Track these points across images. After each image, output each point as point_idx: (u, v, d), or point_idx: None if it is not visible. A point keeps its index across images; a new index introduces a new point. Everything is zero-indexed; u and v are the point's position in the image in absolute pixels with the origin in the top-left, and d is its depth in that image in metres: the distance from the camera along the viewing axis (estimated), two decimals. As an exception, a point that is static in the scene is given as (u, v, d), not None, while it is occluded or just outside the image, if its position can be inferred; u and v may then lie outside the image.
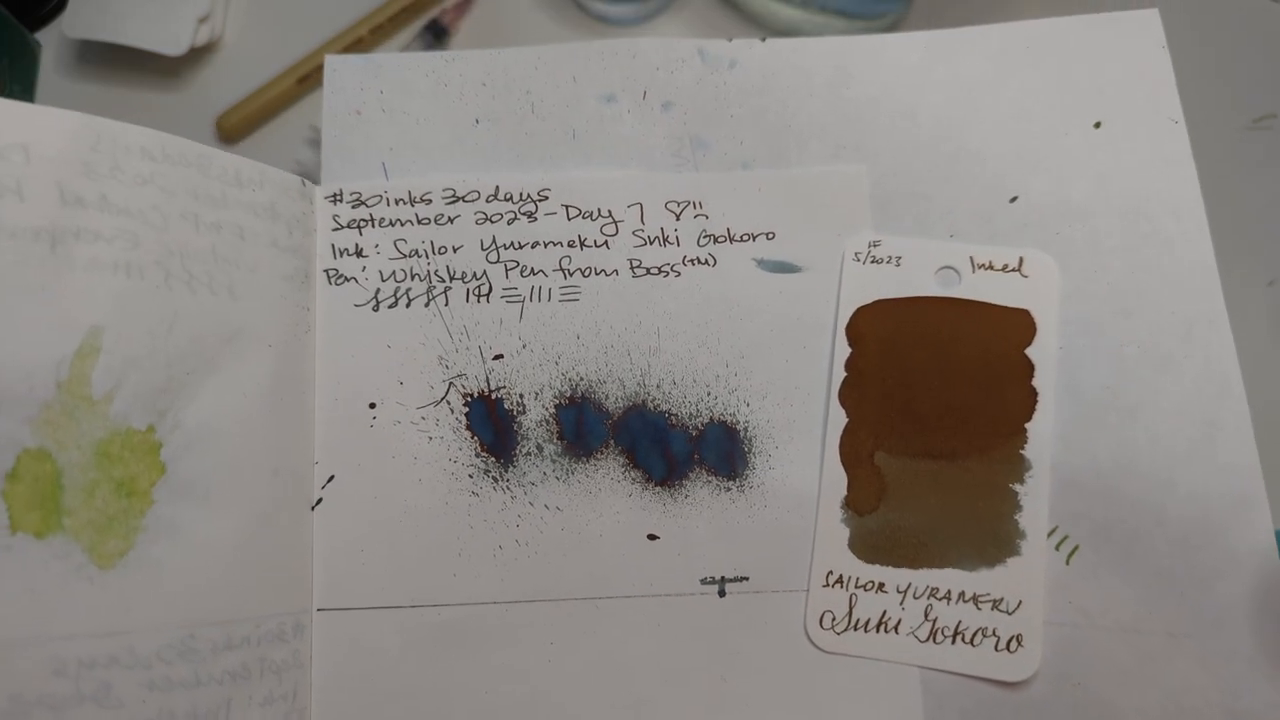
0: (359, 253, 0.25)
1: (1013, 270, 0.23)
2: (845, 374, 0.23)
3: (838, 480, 0.23)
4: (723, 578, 0.23)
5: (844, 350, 0.23)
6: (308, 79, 0.39)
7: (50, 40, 0.40)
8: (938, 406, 0.23)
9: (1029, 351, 0.23)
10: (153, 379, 0.22)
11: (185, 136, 0.32)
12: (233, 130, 0.38)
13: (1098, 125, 0.25)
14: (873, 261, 0.24)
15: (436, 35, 0.40)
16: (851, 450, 0.23)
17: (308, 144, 0.39)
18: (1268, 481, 0.29)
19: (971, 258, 0.24)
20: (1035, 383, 0.23)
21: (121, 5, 0.37)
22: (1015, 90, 0.25)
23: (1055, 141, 0.25)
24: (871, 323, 0.24)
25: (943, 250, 0.24)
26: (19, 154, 0.21)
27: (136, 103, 0.40)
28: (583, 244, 0.25)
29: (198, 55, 0.39)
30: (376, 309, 0.24)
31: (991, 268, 0.24)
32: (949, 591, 0.21)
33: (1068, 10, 0.33)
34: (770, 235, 0.25)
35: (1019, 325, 0.23)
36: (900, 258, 0.24)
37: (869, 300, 0.24)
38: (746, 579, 0.23)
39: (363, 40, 0.39)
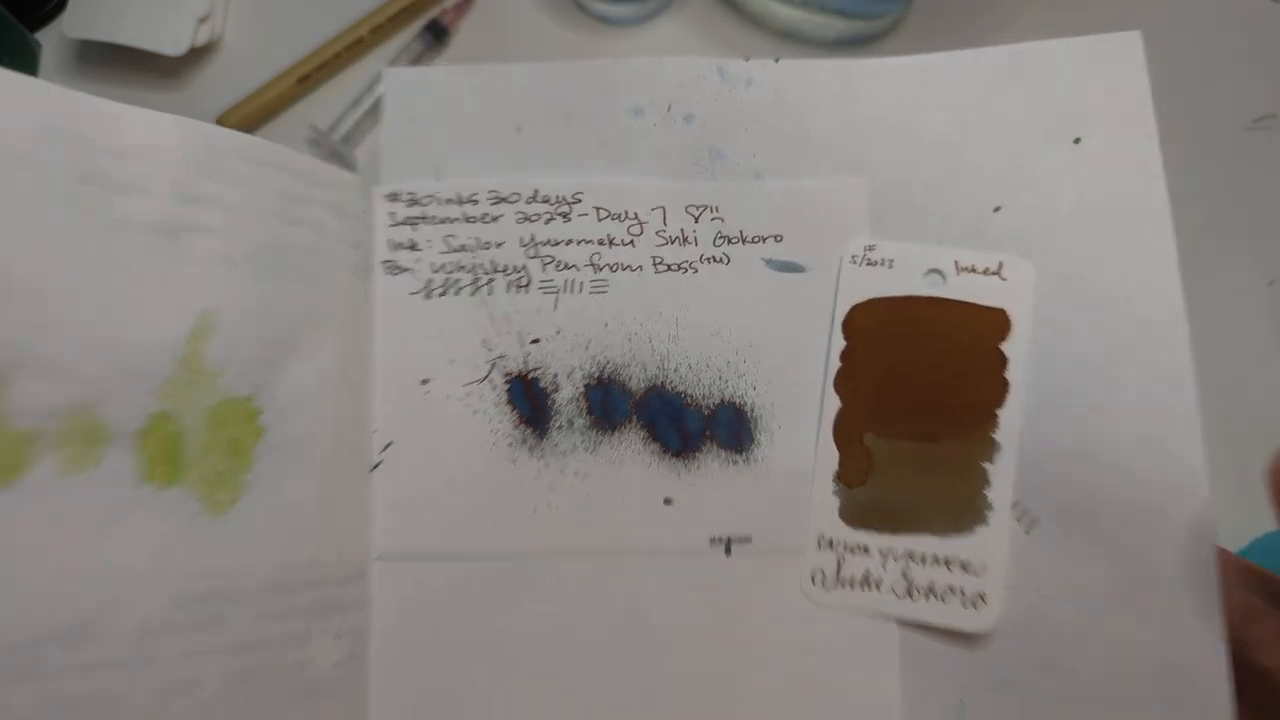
0: (413, 247, 0.28)
1: (993, 273, 0.26)
2: (840, 364, 0.26)
3: (831, 457, 0.26)
4: (729, 538, 0.26)
5: (840, 343, 0.26)
6: (307, 79, 0.39)
7: (50, 40, 0.40)
8: (921, 394, 0.26)
9: (1003, 346, 0.26)
10: (251, 355, 0.25)
11: None
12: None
13: (1078, 141, 0.27)
14: (868, 264, 0.27)
15: (436, 35, 0.40)
16: (844, 432, 0.26)
17: (308, 144, 0.39)
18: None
19: (956, 261, 0.27)
20: (1007, 374, 0.25)
21: (121, 5, 0.36)
22: (1003, 109, 0.28)
23: (1038, 157, 0.27)
24: (865, 318, 0.27)
25: (931, 254, 0.27)
26: (144, 155, 0.23)
27: (136, 103, 0.38)
28: (611, 242, 0.28)
29: (197, 55, 0.39)
30: (428, 297, 0.28)
31: (974, 270, 0.26)
32: (924, 555, 0.25)
33: (1062, 10, 0.34)
34: (779, 238, 0.28)
35: (995, 322, 0.26)
36: (893, 260, 0.27)
37: (864, 298, 0.27)
38: (750, 540, 0.26)
39: (362, 40, 0.39)
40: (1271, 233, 0.38)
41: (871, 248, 0.27)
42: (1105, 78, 0.27)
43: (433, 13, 0.41)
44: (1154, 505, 0.24)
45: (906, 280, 0.27)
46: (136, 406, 0.23)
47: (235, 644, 0.23)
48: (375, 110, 0.40)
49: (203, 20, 0.37)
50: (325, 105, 0.39)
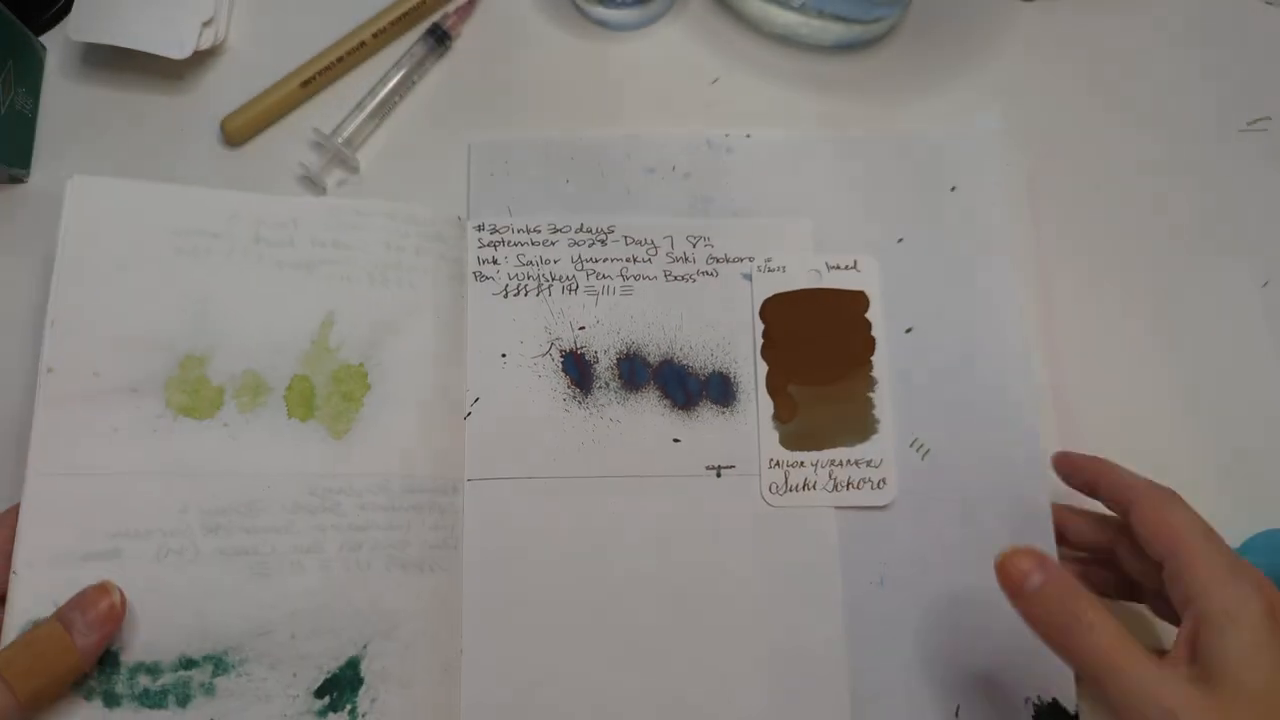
0: (494, 262, 0.39)
1: (851, 268, 0.38)
2: (763, 340, 0.38)
3: (768, 404, 0.37)
4: (719, 466, 0.37)
5: (760, 325, 0.38)
6: (311, 83, 0.38)
7: (55, 43, 0.39)
8: (819, 352, 0.37)
9: (867, 315, 0.38)
10: (363, 335, 0.36)
11: (191, 139, 0.38)
12: (237, 133, 0.38)
13: (953, 189, 0.40)
14: (769, 271, 0.39)
15: (439, 40, 0.40)
16: (773, 385, 0.37)
17: (311, 147, 0.39)
18: (1267, 480, 0.36)
19: (826, 262, 0.39)
20: (873, 333, 0.38)
21: (126, 9, 0.36)
22: (904, 167, 0.40)
23: (928, 198, 0.39)
24: (773, 308, 0.38)
25: (810, 259, 0.39)
26: (292, 224, 0.37)
27: (141, 106, 0.38)
28: (635, 260, 0.39)
29: (201, 58, 0.38)
30: (506, 297, 0.39)
31: (840, 267, 0.38)
32: (841, 460, 0.36)
33: (1059, 14, 0.40)
34: (751, 259, 0.39)
35: (859, 299, 0.38)
36: (785, 266, 0.39)
37: (770, 294, 0.38)
38: (734, 467, 0.37)
39: (365, 44, 0.39)
40: (1266, 234, 0.38)
41: (769, 259, 0.39)
42: (972, 147, 0.40)
43: (435, 17, 0.40)
44: (997, 430, 0.36)
45: (796, 278, 0.38)
46: (285, 371, 0.35)
47: (348, 524, 0.34)
48: (378, 114, 0.40)
49: (207, 24, 0.36)
50: (329, 109, 0.39)
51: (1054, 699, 0.33)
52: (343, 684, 0.33)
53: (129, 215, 0.35)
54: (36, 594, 0.30)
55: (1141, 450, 0.36)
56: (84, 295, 0.34)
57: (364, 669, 0.33)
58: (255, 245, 0.36)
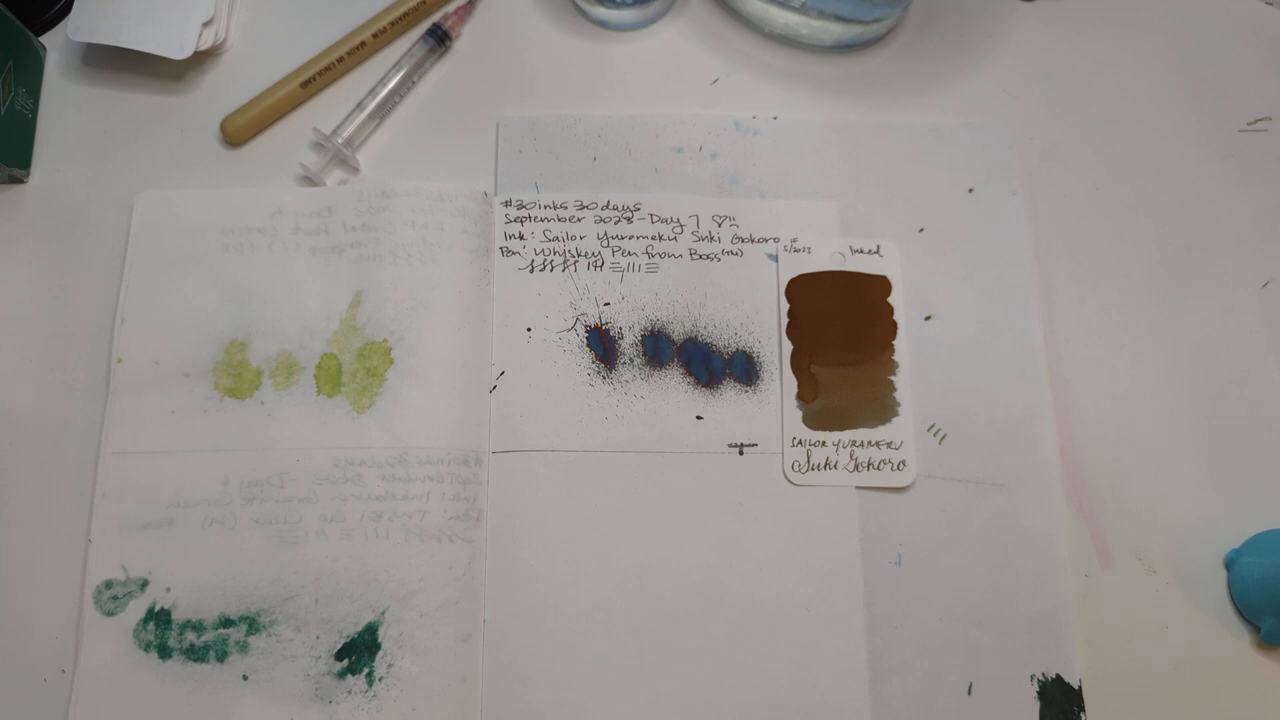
0: (521, 237, 0.39)
1: (874, 253, 0.39)
2: (788, 319, 0.38)
3: (791, 383, 0.37)
4: (742, 444, 0.37)
5: (785, 304, 0.38)
6: (311, 83, 0.38)
7: (55, 43, 0.39)
8: (842, 334, 0.38)
9: (890, 299, 0.38)
10: (387, 313, 0.37)
11: (191, 139, 0.39)
12: (237, 134, 0.38)
13: (971, 190, 0.40)
14: (794, 251, 0.39)
15: (439, 40, 0.40)
16: (797, 365, 0.38)
17: (311, 147, 0.39)
18: (1267, 480, 0.36)
19: (850, 246, 0.39)
20: (896, 317, 0.38)
21: (126, 9, 0.36)
22: (924, 163, 0.40)
23: (946, 197, 0.40)
24: (798, 287, 0.38)
25: (834, 243, 0.39)
26: (327, 213, 0.38)
27: (142, 106, 0.38)
28: (660, 238, 0.39)
29: (202, 59, 0.38)
30: (532, 271, 0.39)
31: (863, 251, 0.39)
32: (862, 441, 0.37)
33: (1059, 17, 0.41)
34: (776, 239, 0.40)
35: (882, 284, 0.39)
36: (810, 248, 0.39)
37: (795, 274, 0.39)
38: (756, 445, 0.37)
39: (365, 45, 0.39)
40: (1266, 234, 0.38)
41: (795, 239, 0.39)
42: (987, 151, 0.41)
43: (435, 17, 0.40)
44: (1015, 424, 0.37)
45: (821, 260, 0.39)
46: (315, 351, 0.37)
47: (368, 495, 0.35)
48: (378, 114, 0.40)
49: (207, 24, 0.36)
50: (329, 109, 0.39)
51: (1058, 674, 0.34)
52: (360, 648, 0.33)
53: (185, 221, 0.38)
54: (106, 559, 0.34)
55: (1142, 450, 0.37)
56: (147, 294, 0.37)
57: (381, 635, 0.33)
58: (294, 235, 0.38)
